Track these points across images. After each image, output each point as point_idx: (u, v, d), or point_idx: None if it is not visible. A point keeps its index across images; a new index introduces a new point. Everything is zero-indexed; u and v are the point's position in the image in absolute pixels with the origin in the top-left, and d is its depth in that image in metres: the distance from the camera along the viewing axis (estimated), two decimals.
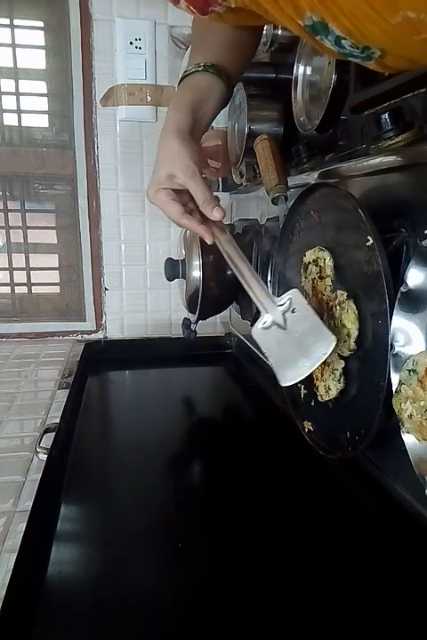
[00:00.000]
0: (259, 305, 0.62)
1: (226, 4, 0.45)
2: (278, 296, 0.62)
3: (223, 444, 0.90)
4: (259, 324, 0.62)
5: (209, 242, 0.63)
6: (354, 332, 0.57)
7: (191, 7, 0.47)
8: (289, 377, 0.59)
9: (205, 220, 0.63)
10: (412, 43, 0.42)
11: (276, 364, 0.61)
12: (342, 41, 0.44)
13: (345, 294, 0.59)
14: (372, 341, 0.56)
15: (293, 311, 0.60)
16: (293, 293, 0.60)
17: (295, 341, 0.59)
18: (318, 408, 0.67)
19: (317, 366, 0.57)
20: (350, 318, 0.57)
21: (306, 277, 0.68)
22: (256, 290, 0.62)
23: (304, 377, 0.58)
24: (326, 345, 0.56)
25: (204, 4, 0.47)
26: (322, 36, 0.44)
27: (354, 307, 0.57)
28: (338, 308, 0.60)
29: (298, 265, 0.71)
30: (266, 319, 0.61)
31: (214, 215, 0.62)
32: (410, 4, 0.37)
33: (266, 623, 0.51)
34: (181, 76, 0.66)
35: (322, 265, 0.64)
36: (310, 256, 0.67)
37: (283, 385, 0.60)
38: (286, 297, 0.61)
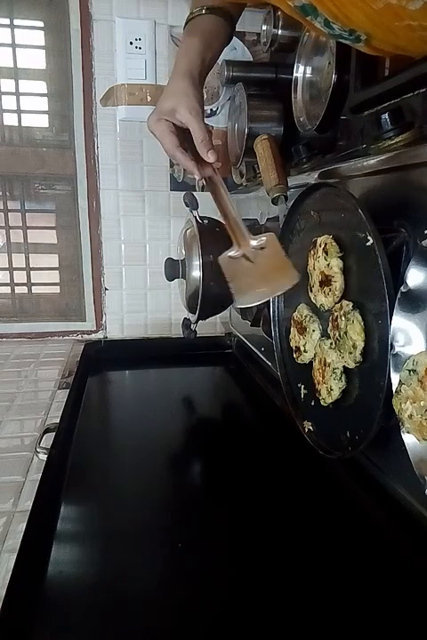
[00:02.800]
0: (233, 237, 0.67)
1: None
2: None
3: (223, 444, 0.90)
4: (227, 253, 0.67)
5: (197, 177, 0.68)
6: (360, 344, 0.56)
7: None
8: (246, 301, 0.65)
9: (198, 160, 0.67)
10: (395, 28, 0.42)
11: (236, 289, 0.65)
12: (331, 23, 0.44)
13: (350, 305, 0.58)
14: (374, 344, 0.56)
15: (262, 248, 0.65)
16: (269, 235, 0.66)
17: (260, 273, 0.64)
18: (318, 408, 0.67)
19: (275, 295, 0.63)
20: (355, 329, 0.56)
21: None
22: (234, 225, 0.67)
23: (260, 302, 0.63)
24: (289, 280, 0.61)
25: None
26: (312, 17, 0.45)
27: (360, 317, 0.56)
28: (343, 318, 0.59)
29: (302, 258, 0.71)
30: (235, 250, 0.67)
31: (209, 157, 0.66)
32: None
33: (266, 623, 0.51)
34: (187, 17, 0.68)
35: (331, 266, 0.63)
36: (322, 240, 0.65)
37: (238, 306, 0.68)
38: (262, 236, 0.66)
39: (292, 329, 0.74)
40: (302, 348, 0.71)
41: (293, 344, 0.74)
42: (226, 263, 0.67)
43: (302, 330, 0.70)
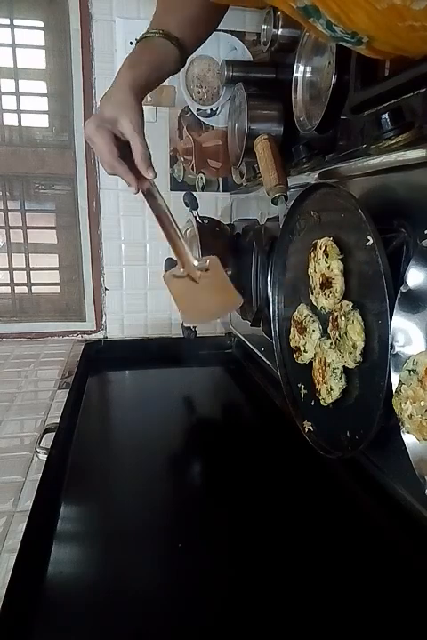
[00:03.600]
0: (176, 256, 0.69)
1: None
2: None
3: (223, 444, 0.90)
4: (172, 271, 0.70)
5: (134, 191, 0.67)
6: (360, 344, 0.56)
7: None
8: (190, 319, 0.70)
9: (136, 174, 0.66)
10: (398, 29, 0.42)
11: (181, 307, 0.69)
12: (333, 25, 0.44)
13: (350, 305, 0.58)
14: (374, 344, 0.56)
15: (206, 271, 0.68)
16: (212, 258, 0.69)
17: (205, 294, 0.68)
18: (318, 408, 0.67)
19: (219, 317, 0.64)
20: (355, 329, 0.56)
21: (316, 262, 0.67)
22: (178, 247, 0.69)
23: (205, 322, 0.67)
24: (233, 303, 0.66)
25: None
26: (314, 18, 0.45)
27: (360, 317, 0.56)
28: (343, 318, 0.59)
29: (302, 258, 0.71)
30: (180, 271, 0.69)
31: (149, 174, 0.65)
32: None
33: (266, 623, 0.51)
34: (142, 34, 0.68)
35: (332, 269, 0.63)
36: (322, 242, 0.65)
37: (186, 324, 0.69)
38: (205, 259, 0.69)
39: (292, 329, 0.74)
40: (302, 348, 0.71)
41: (293, 344, 0.74)
42: (170, 281, 0.69)
43: (302, 330, 0.70)
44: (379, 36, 0.46)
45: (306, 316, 0.70)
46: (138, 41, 0.68)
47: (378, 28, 0.44)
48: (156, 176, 0.66)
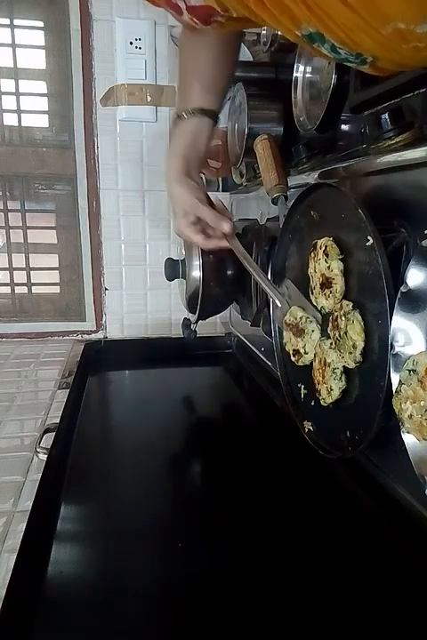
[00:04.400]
0: (274, 298, 0.77)
1: (228, 14, 0.47)
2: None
3: (223, 444, 0.90)
4: (278, 313, 0.77)
5: (228, 246, 0.79)
6: (360, 344, 0.56)
7: (194, 19, 0.50)
8: (302, 362, 0.71)
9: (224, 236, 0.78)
10: (402, 50, 0.44)
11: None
12: (338, 48, 0.45)
13: (350, 305, 0.58)
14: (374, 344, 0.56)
15: (290, 298, 0.75)
16: (286, 282, 0.76)
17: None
18: (318, 408, 0.67)
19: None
20: (355, 330, 0.56)
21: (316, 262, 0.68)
22: (269, 289, 0.77)
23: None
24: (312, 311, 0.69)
25: (206, 15, 0.49)
26: (318, 43, 0.46)
27: (360, 317, 0.56)
28: (343, 318, 0.58)
29: (302, 258, 0.71)
30: (281, 308, 0.76)
31: (225, 228, 0.76)
32: (401, 16, 0.39)
33: (266, 623, 0.51)
34: (174, 118, 0.78)
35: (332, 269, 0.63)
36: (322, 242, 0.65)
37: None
38: (283, 285, 0.77)
39: (285, 333, 0.74)
40: (301, 351, 0.70)
41: (289, 348, 0.74)
42: (284, 327, 0.75)
43: (300, 332, 0.70)
44: (383, 56, 0.47)
45: (301, 318, 0.70)
46: (173, 127, 0.78)
47: (383, 50, 0.45)
48: (233, 228, 0.77)
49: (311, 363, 0.69)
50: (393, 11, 0.39)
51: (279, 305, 0.75)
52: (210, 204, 0.77)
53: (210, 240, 0.78)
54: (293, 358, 0.73)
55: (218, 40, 0.72)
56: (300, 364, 0.71)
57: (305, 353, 0.70)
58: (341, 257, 0.60)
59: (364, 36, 0.42)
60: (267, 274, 0.83)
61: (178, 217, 0.78)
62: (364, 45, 0.44)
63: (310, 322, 0.69)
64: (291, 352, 0.73)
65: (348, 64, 0.49)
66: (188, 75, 0.77)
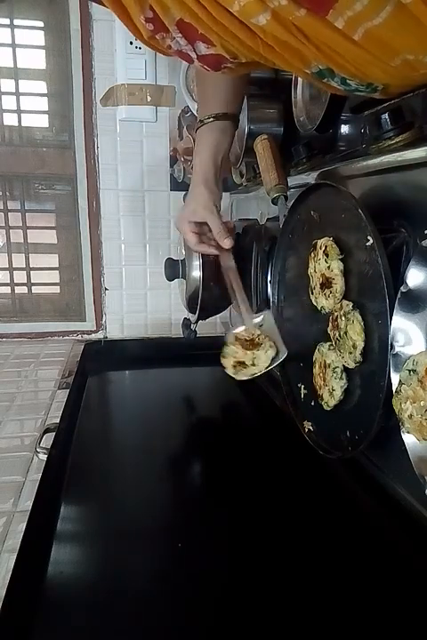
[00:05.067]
0: (244, 319, 0.81)
1: (237, 61, 0.47)
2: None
3: (223, 444, 0.90)
4: (235, 330, 0.81)
5: (218, 254, 0.84)
6: (360, 344, 0.56)
7: (205, 66, 0.51)
8: (243, 374, 0.74)
9: (218, 247, 0.82)
10: (412, 76, 0.44)
11: (232, 372, 0.76)
12: (348, 81, 0.46)
13: (350, 305, 0.58)
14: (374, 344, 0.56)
15: (261, 326, 0.79)
16: (266, 313, 0.80)
17: (259, 353, 0.75)
18: (318, 408, 0.67)
19: (264, 370, 0.73)
20: (355, 329, 0.56)
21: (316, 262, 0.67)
22: (243, 308, 0.82)
23: (254, 376, 0.73)
24: (278, 356, 0.73)
25: (216, 63, 0.50)
26: (328, 78, 0.47)
27: (360, 317, 0.56)
28: (343, 318, 0.58)
29: (302, 258, 0.71)
30: (241, 329, 0.81)
31: (225, 243, 0.80)
32: (409, 49, 0.40)
33: (266, 623, 0.51)
34: (197, 124, 0.82)
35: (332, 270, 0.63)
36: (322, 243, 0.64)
37: (237, 379, 0.74)
38: (261, 315, 0.80)
39: (229, 347, 0.78)
40: (247, 363, 0.75)
41: (229, 361, 0.77)
42: (232, 340, 0.79)
43: (254, 345, 0.76)
44: (393, 83, 0.48)
45: (259, 335, 0.77)
46: (195, 131, 0.82)
47: (392, 79, 0.46)
48: (233, 245, 0.81)
49: (311, 363, 0.69)
50: (401, 45, 0.39)
51: (244, 325, 0.80)
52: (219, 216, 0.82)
53: (202, 245, 0.83)
54: (232, 371, 0.75)
55: None
56: (240, 376, 0.74)
57: (253, 365, 0.74)
58: (341, 257, 0.60)
59: (374, 68, 0.43)
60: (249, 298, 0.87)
61: (185, 211, 0.82)
62: (374, 77, 0.45)
63: (271, 346, 0.74)
64: (231, 365, 0.76)
65: (358, 94, 0.50)
66: (207, 82, 0.80)
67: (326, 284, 0.62)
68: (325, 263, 0.62)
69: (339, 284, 0.60)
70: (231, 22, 0.41)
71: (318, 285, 0.64)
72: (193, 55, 0.49)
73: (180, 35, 0.46)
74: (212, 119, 0.78)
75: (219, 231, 0.80)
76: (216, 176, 0.80)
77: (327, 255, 0.61)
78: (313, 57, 0.43)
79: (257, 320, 0.79)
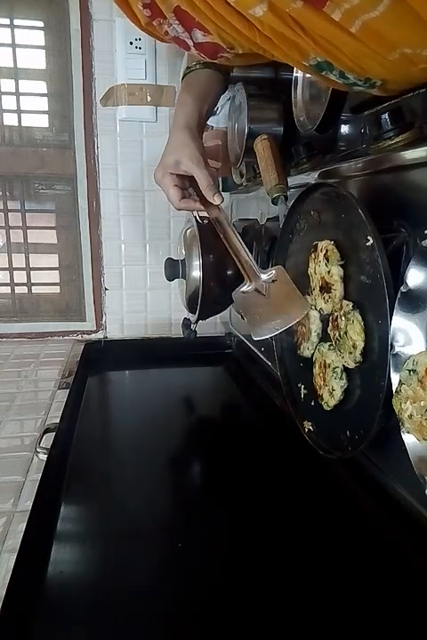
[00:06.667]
0: (244, 274, 0.71)
1: (234, 51, 0.47)
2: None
3: (223, 444, 0.90)
4: (240, 289, 0.71)
5: (208, 215, 0.75)
6: (360, 344, 0.56)
7: (202, 54, 0.51)
8: (262, 333, 0.66)
9: (204, 201, 0.73)
10: (410, 72, 0.44)
11: (251, 322, 0.68)
12: (346, 74, 0.46)
13: (350, 305, 0.58)
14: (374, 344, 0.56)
15: (274, 281, 0.69)
16: (278, 268, 0.70)
17: (273, 305, 0.67)
18: (318, 408, 0.67)
19: (288, 326, 0.64)
20: (355, 329, 0.56)
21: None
22: (244, 261, 0.72)
23: (276, 333, 0.66)
24: (300, 310, 0.64)
25: (213, 51, 0.50)
26: (327, 71, 0.47)
27: (360, 317, 0.56)
28: (343, 318, 0.59)
29: (302, 258, 0.71)
30: (248, 286, 0.71)
31: (215, 199, 0.72)
32: (407, 42, 0.39)
33: (266, 623, 0.51)
34: (183, 71, 0.73)
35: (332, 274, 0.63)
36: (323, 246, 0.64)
37: (255, 339, 0.67)
38: (271, 270, 0.70)
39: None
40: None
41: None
42: (239, 298, 0.71)
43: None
44: (392, 79, 0.48)
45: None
46: (182, 79, 0.74)
47: (391, 73, 0.46)
48: (223, 200, 0.72)
49: (312, 362, 0.69)
50: (398, 38, 0.39)
51: (248, 282, 0.70)
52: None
53: (187, 201, 0.74)
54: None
55: None
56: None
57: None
58: (341, 263, 0.60)
59: (371, 62, 0.43)
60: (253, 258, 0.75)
61: (166, 162, 0.72)
62: (372, 71, 0.45)
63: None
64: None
65: (356, 88, 0.49)
66: None
67: (326, 288, 0.62)
68: (325, 267, 0.62)
69: (338, 290, 0.60)
70: (228, 12, 0.41)
71: (318, 288, 0.65)
72: (190, 42, 0.48)
73: (177, 22, 0.46)
74: (200, 66, 0.71)
75: (208, 185, 0.71)
76: (199, 125, 0.72)
77: (328, 260, 0.61)
78: (311, 49, 0.43)
79: (266, 277, 0.69)
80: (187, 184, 0.74)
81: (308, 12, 0.37)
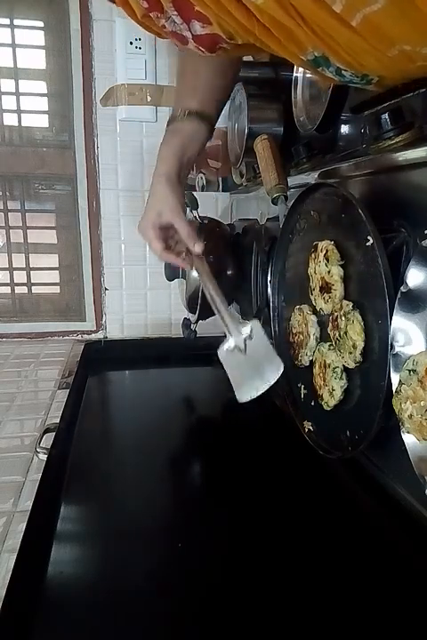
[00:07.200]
0: (226, 330, 0.71)
1: (233, 42, 0.47)
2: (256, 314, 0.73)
3: (223, 444, 0.90)
4: (224, 347, 0.72)
5: (188, 269, 0.80)
6: (360, 344, 0.56)
7: (200, 47, 0.50)
8: (244, 395, 0.68)
9: (186, 251, 0.75)
10: (408, 69, 0.44)
11: (234, 383, 0.70)
12: (343, 71, 0.45)
13: (350, 305, 0.58)
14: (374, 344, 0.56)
15: (251, 338, 0.69)
16: (253, 323, 0.70)
17: (252, 364, 0.69)
18: (318, 408, 0.67)
19: (268, 386, 0.67)
20: (355, 329, 0.56)
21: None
22: (226, 317, 0.72)
23: (257, 396, 0.67)
24: (275, 370, 0.66)
25: (212, 43, 0.49)
26: (323, 67, 0.46)
27: (360, 317, 0.56)
28: (343, 318, 0.59)
29: (302, 258, 0.71)
30: (230, 343, 0.71)
31: (195, 249, 0.73)
32: (407, 39, 0.39)
33: (266, 623, 0.51)
34: (169, 119, 0.74)
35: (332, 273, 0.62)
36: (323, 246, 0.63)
37: (240, 401, 0.68)
38: (248, 325, 0.70)
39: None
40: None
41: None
42: (224, 357, 0.72)
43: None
44: (389, 75, 0.47)
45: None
46: (167, 125, 0.75)
47: (388, 70, 0.45)
48: (203, 249, 0.73)
49: (312, 365, 0.69)
50: (399, 34, 0.39)
51: (230, 337, 0.70)
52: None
53: (168, 253, 0.75)
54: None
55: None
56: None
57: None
58: (341, 263, 0.60)
59: (369, 58, 0.42)
60: (225, 302, 0.74)
61: (148, 215, 0.74)
62: (370, 67, 0.44)
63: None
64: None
65: (353, 85, 0.49)
66: (187, 81, 0.75)
67: (326, 288, 0.62)
68: (325, 267, 0.62)
69: (338, 291, 0.60)
70: (227, 0, 0.40)
71: (318, 288, 0.65)
72: (188, 35, 0.48)
73: (175, 12, 0.45)
74: (184, 116, 0.72)
75: (188, 235, 0.72)
76: (179, 176, 0.73)
77: (328, 260, 0.61)
78: (309, 42, 0.43)
79: (245, 331, 0.70)
80: (171, 233, 0.75)
81: (308, 1, 0.37)
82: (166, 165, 0.72)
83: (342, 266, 0.60)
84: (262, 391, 0.67)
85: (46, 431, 0.80)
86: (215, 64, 0.72)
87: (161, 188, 0.72)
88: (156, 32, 0.50)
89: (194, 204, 1.02)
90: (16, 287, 1.49)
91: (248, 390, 0.68)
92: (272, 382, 0.67)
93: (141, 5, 0.45)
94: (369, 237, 0.53)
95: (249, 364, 0.69)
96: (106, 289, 1.48)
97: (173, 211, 0.72)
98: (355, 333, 0.57)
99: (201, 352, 1.35)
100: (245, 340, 0.70)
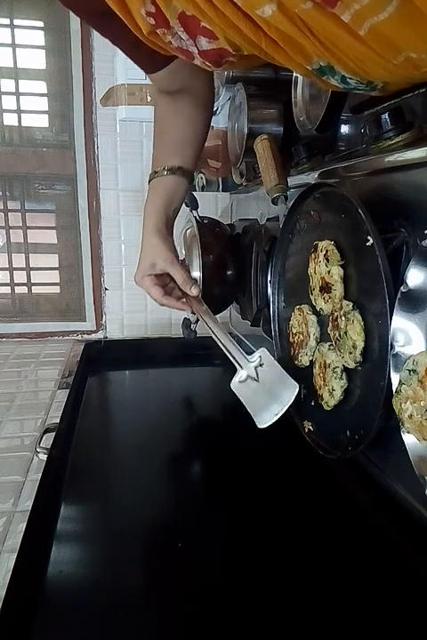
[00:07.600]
0: (235, 363, 0.74)
1: (239, 53, 0.47)
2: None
3: (223, 444, 0.90)
4: (236, 379, 0.74)
5: (189, 311, 0.82)
6: (360, 344, 0.56)
7: (206, 62, 0.50)
8: (265, 420, 0.70)
9: (184, 294, 0.80)
10: (412, 75, 0.44)
11: (252, 411, 0.72)
12: (348, 79, 0.45)
13: (350, 304, 0.58)
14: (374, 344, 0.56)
15: (261, 365, 0.72)
16: (261, 351, 0.73)
17: (266, 390, 0.71)
18: (318, 408, 0.67)
19: (286, 408, 0.68)
20: (355, 329, 0.56)
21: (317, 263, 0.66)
22: (232, 350, 0.75)
23: (277, 419, 0.69)
24: (291, 392, 0.68)
25: (218, 57, 0.49)
26: (328, 76, 0.47)
27: (360, 317, 0.56)
28: (343, 318, 0.58)
29: (302, 258, 0.71)
30: (242, 374, 0.74)
31: (192, 292, 0.78)
32: (413, 46, 0.39)
33: (266, 623, 0.51)
34: (150, 175, 0.80)
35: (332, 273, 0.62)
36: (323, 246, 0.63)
37: (260, 427, 0.70)
38: (256, 354, 0.73)
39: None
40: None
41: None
42: (238, 388, 0.74)
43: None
44: (394, 81, 0.48)
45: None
46: (149, 181, 0.80)
47: (393, 76, 0.46)
48: (200, 292, 0.79)
49: (311, 365, 0.69)
50: (405, 42, 0.39)
51: (241, 369, 0.73)
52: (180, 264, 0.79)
53: (168, 298, 0.79)
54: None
55: (190, 104, 0.76)
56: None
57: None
58: (341, 263, 0.60)
59: (376, 66, 0.43)
60: (231, 341, 0.77)
61: (142, 266, 0.78)
62: (375, 74, 0.45)
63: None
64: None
65: (357, 91, 0.50)
66: (164, 135, 0.80)
67: (326, 288, 0.62)
68: (325, 267, 0.62)
69: (338, 291, 0.60)
70: (234, 14, 0.40)
71: (318, 288, 0.65)
72: (194, 50, 0.48)
73: (181, 29, 0.45)
74: (166, 172, 0.77)
75: (184, 281, 0.77)
76: (167, 226, 0.78)
77: (328, 260, 0.61)
78: (315, 52, 0.43)
79: (254, 360, 0.73)
80: (167, 280, 0.79)
81: (317, 14, 0.37)
82: (154, 220, 0.77)
83: (342, 266, 0.60)
84: (281, 414, 0.69)
85: (46, 431, 0.80)
86: (187, 115, 0.76)
87: (153, 240, 0.76)
88: (161, 48, 0.50)
89: (194, 204, 1.02)
90: (16, 287, 1.49)
91: (267, 416, 0.70)
92: (289, 404, 0.68)
93: (148, 22, 0.45)
94: (369, 237, 0.53)
95: (264, 390, 0.72)
96: (106, 289, 1.48)
97: (166, 260, 0.76)
98: (355, 333, 0.56)
99: (201, 352, 1.35)
100: (256, 368, 0.72)
